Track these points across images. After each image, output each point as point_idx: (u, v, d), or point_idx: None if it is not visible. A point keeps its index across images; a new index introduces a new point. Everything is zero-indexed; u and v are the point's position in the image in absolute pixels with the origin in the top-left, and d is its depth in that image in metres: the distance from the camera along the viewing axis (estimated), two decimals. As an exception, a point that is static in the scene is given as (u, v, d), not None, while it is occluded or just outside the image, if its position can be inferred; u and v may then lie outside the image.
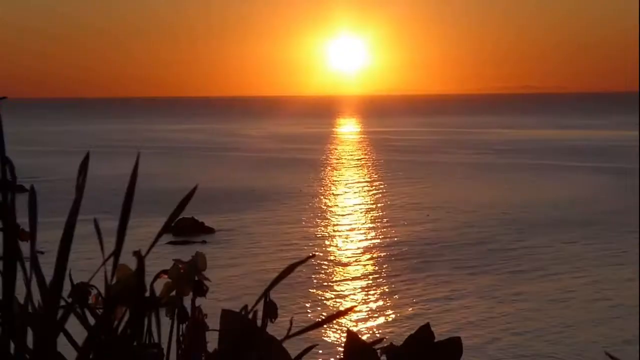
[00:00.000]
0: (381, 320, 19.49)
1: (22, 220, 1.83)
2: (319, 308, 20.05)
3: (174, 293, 2.14)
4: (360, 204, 38.18)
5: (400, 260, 25.69)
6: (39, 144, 78.96)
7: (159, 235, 1.72)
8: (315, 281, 22.52)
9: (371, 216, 34.45)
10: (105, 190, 32.95)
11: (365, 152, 71.42)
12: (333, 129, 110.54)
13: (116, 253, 1.68)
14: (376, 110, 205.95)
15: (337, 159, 62.61)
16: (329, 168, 55.29)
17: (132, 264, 1.83)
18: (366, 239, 29.28)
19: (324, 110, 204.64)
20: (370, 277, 23.75)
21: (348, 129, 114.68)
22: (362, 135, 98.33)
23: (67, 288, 1.90)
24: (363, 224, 32.54)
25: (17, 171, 1.76)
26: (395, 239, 29.12)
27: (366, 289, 22.35)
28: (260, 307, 2.15)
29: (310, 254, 1.76)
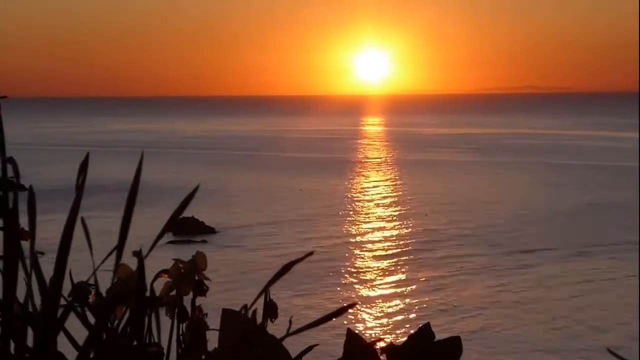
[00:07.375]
0: (378, 317, 19.50)
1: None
2: (317, 306, 20.05)
3: (174, 293, 2.15)
4: (360, 203, 38.17)
5: (402, 257, 25.69)
6: None
7: (160, 235, 1.72)
8: (314, 279, 22.52)
9: (371, 214, 34.45)
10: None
11: (366, 152, 71.42)
12: (338, 128, 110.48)
13: (118, 251, 1.68)
14: (390, 109, 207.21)
15: (338, 158, 62.59)
16: (328, 167, 55.25)
17: (131, 263, 1.83)
18: (367, 237, 29.27)
19: (341, 109, 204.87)
20: (369, 274, 23.75)
21: (354, 128, 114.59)
22: (364, 134, 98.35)
23: (68, 287, 1.90)
24: (363, 222, 32.53)
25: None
26: (396, 237, 29.12)
27: (365, 286, 22.35)
28: (259, 305, 2.15)
29: (310, 252, 1.77)
